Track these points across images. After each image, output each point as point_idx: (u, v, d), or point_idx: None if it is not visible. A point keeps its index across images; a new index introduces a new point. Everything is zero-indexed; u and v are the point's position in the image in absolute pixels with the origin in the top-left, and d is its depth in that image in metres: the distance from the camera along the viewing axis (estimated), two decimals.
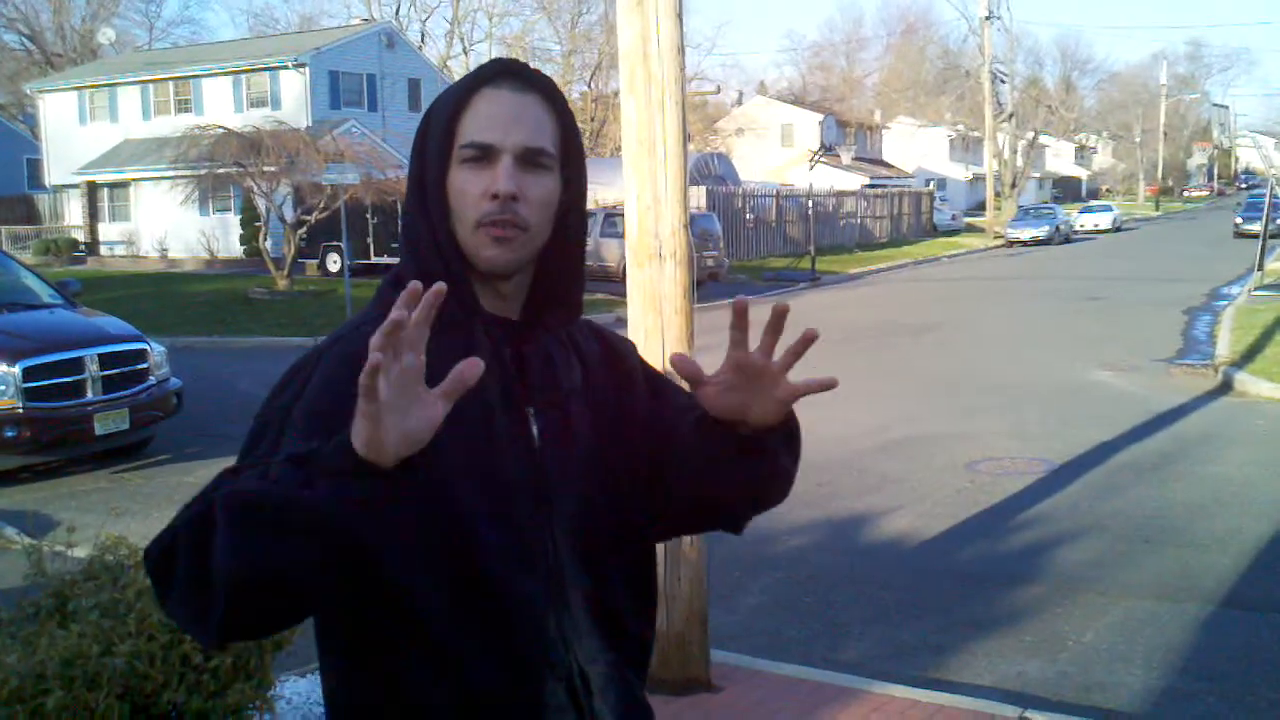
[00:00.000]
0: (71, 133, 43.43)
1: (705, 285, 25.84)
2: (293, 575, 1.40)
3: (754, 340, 1.61)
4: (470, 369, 1.38)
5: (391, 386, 1.35)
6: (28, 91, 49.69)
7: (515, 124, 1.66)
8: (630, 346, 1.94)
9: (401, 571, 1.57)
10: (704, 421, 1.66)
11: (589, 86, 61.63)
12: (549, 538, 1.66)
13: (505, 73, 1.69)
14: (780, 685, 5.43)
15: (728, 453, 1.66)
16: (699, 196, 35.41)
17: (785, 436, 1.70)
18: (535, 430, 1.69)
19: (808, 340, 1.61)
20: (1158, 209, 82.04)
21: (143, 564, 1.52)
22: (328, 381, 1.63)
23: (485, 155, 1.65)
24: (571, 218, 1.74)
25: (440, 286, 1.36)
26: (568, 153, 1.72)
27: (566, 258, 1.76)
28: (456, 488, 1.60)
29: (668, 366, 1.71)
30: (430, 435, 1.39)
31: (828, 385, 1.63)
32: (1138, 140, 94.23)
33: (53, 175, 44.18)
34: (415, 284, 1.35)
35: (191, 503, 1.48)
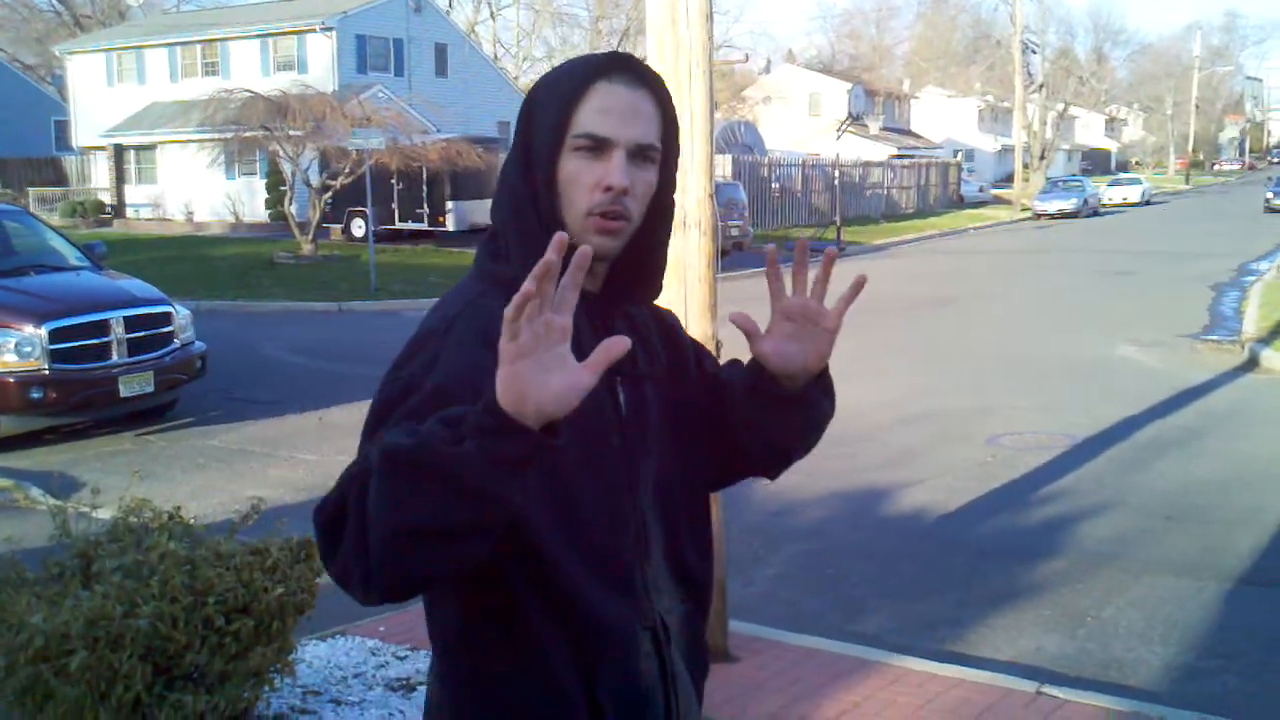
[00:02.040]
0: (99, 95, 43.50)
1: (730, 254, 25.76)
2: (447, 531, 1.47)
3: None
4: (617, 346, 1.47)
5: (535, 337, 1.43)
6: (56, 53, 49.71)
7: (630, 120, 1.74)
8: (675, 318, 2.06)
9: (521, 524, 1.65)
10: (754, 385, 1.87)
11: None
12: (635, 500, 1.81)
13: (621, 67, 1.77)
14: (798, 657, 5.44)
15: (779, 409, 1.87)
16: (725, 165, 35.28)
17: (826, 383, 1.89)
18: (622, 399, 1.82)
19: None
20: (1188, 183, 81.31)
21: (313, 523, 1.60)
22: (467, 358, 1.66)
23: (599, 147, 1.72)
24: (664, 205, 1.84)
25: (586, 250, 1.45)
26: (667, 146, 1.82)
27: (655, 242, 1.86)
28: (562, 452, 1.62)
29: (691, 334, 2.01)
30: (578, 400, 1.46)
31: (860, 285, 1.80)
32: (1169, 113, 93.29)
33: (80, 137, 44.27)
34: (562, 235, 1.43)
35: (351, 465, 1.57)
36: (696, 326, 5.00)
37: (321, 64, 38.82)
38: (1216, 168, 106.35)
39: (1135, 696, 5.12)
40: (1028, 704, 4.90)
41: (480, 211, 31.75)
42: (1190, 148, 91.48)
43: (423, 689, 4.87)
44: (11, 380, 9.87)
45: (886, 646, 5.63)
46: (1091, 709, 4.86)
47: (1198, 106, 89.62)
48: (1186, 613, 6.26)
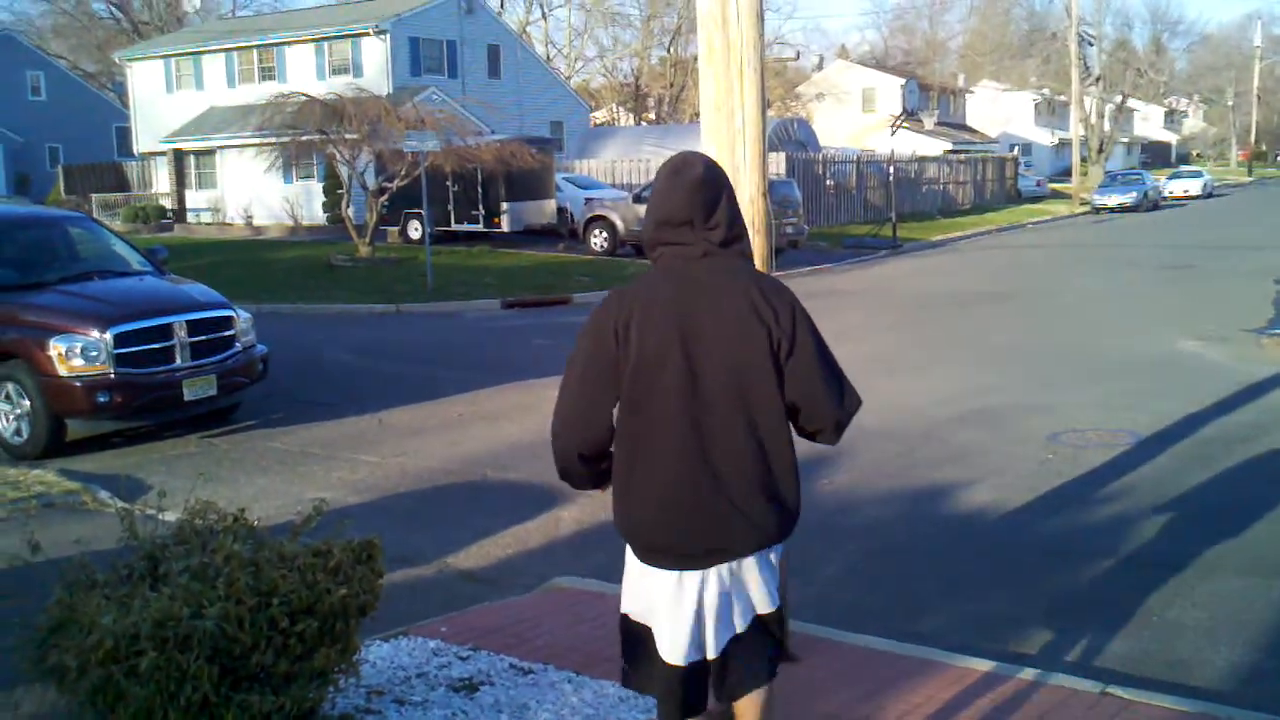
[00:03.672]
0: (159, 101, 44.14)
1: (784, 253, 25.66)
2: None
3: None
4: None
5: None
6: (116, 60, 50.54)
7: None
8: None
9: None
10: None
11: (668, 51, 61.42)
12: None
13: None
14: (859, 657, 5.42)
15: None
16: (778, 163, 35.17)
17: None
18: None
19: None
20: (1250, 174, 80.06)
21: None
22: None
23: None
24: None
25: None
26: None
27: None
28: None
29: None
30: None
31: None
32: (1230, 104, 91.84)
33: (141, 143, 44.95)
34: None
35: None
36: None
37: (376, 67, 39.15)
38: None
39: (1201, 697, 5.05)
40: (1092, 705, 4.85)
41: (535, 212, 31.82)
42: (1252, 139, 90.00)
43: (485, 688, 4.91)
44: (79, 384, 10.04)
45: (947, 646, 5.59)
46: (1157, 710, 4.80)
47: (1259, 97, 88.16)
48: (1253, 612, 6.16)
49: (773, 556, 3.47)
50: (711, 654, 3.40)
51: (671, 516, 3.31)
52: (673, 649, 3.37)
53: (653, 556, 3.37)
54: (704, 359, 3.30)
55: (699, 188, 3.38)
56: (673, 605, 3.36)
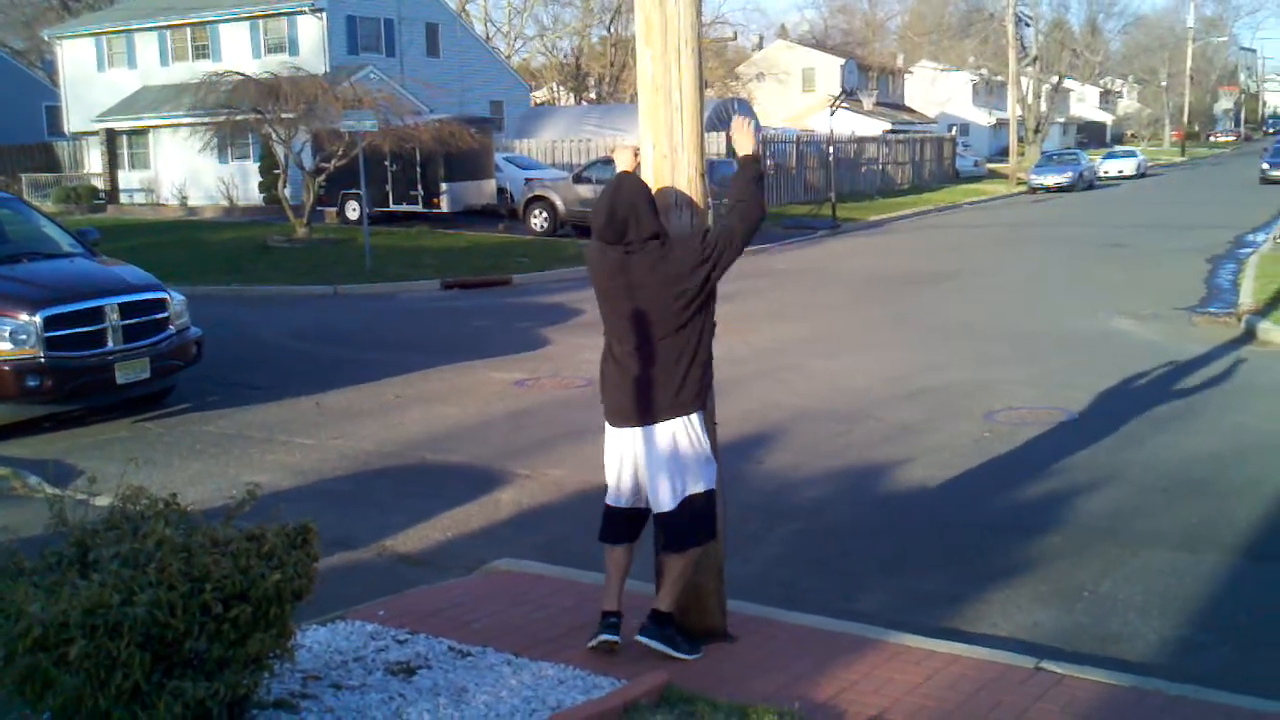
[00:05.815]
0: (90, 79, 43.29)
1: None
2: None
3: None
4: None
5: None
6: (45, 38, 49.46)
7: None
8: None
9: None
10: None
11: (609, 30, 61.21)
12: None
13: None
14: (796, 636, 5.45)
15: None
16: (719, 143, 35.20)
17: None
18: None
19: None
20: (1183, 154, 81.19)
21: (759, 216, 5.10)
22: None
23: None
24: None
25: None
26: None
27: None
28: None
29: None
30: None
31: None
32: (1163, 84, 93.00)
33: (72, 122, 44.08)
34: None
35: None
36: None
37: (312, 45, 38.64)
38: (1212, 139, 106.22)
39: (1133, 671, 5.14)
40: (1025, 679, 4.91)
41: (475, 193, 31.60)
42: (1185, 119, 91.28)
43: (423, 671, 4.88)
44: (7, 368, 9.85)
45: (884, 624, 5.64)
46: (1090, 684, 4.87)
47: (1192, 78, 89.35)
48: (1183, 586, 6.27)
49: (677, 435, 5.02)
50: (635, 503, 5.20)
51: (606, 394, 5.21)
52: (612, 490, 5.26)
53: (608, 417, 5.23)
54: (627, 306, 5.04)
55: (612, 219, 4.96)
56: (609, 450, 5.22)
